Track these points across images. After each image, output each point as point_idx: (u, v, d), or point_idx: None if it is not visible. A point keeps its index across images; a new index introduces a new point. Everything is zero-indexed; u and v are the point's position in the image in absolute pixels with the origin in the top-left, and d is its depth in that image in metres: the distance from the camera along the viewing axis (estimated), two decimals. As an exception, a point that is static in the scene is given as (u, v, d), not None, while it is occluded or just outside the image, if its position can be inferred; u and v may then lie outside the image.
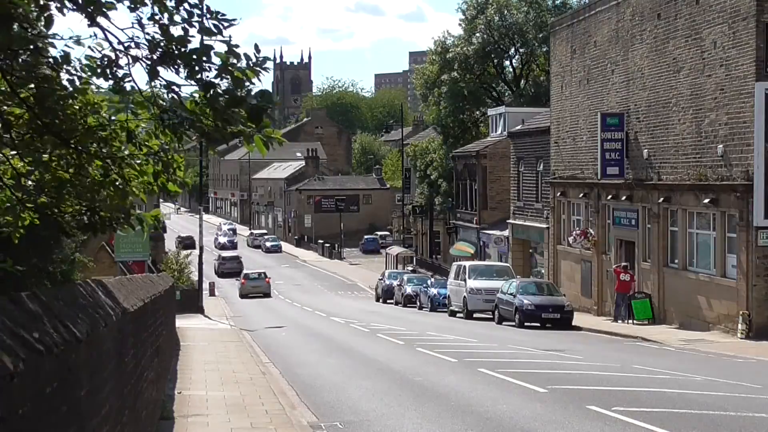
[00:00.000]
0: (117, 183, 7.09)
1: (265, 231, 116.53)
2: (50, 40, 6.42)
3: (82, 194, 7.26)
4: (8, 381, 2.94)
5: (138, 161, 7.05)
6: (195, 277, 52.04)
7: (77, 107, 6.58)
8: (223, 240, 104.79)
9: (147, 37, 5.68)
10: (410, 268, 69.50)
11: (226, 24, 5.75)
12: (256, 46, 6.02)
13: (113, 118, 6.83)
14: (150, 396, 10.36)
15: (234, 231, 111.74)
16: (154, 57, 5.63)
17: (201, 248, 49.73)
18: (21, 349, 3.24)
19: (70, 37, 6.18)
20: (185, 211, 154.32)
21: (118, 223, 7.62)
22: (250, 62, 5.84)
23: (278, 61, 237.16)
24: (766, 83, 28.45)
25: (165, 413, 13.31)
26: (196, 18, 5.70)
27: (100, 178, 7.09)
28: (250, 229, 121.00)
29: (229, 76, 5.78)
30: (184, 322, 33.89)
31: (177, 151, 7.04)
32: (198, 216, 55.62)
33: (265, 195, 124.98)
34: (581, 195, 42.15)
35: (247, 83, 5.84)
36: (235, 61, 5.85)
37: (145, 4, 5.68)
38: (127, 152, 6.96)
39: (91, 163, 6.96)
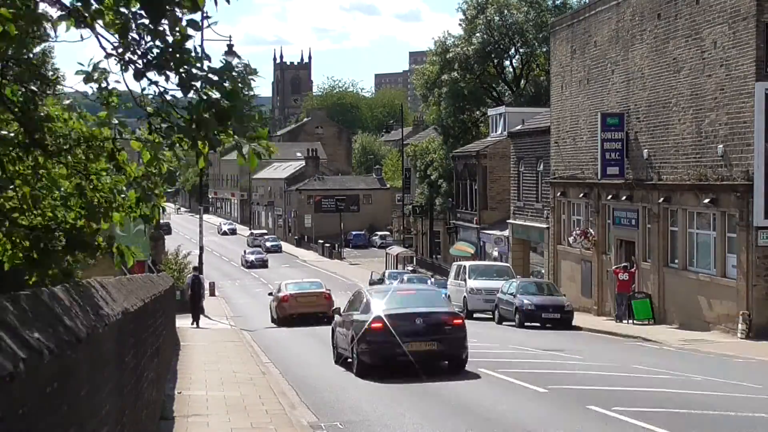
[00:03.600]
0: (97, 207, 6.96)
1: (265, 231, 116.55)
2: (41, 46, 6.42)
3: (62, 219, 7.11)
4: (8, 381, 2.94)
5: (119, 187, 6.93)
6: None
7: (63, 120, 6.50)
8: (251, 258, 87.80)
9: (136, 40, 5.64)
10: (410, 268, 69.46)
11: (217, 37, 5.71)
12: (245, 63, 5.96)
13: (94, 127, 6.72)
14: (150, 396, 10.36)
15: (260, 248, 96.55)
16: (143, 63, 5.61)
17: (201, 248, 49.73)
18: (21, 349, 3.24)
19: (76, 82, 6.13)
20: (185, 210, 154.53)
21: (101, 250, 7.45)
22: (239, 69, 5.80)
23: (278, 61, 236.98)
24: (766, 83, 28.45)
25: (165, 413, 13.31)
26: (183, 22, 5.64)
27: (77, 202, 6.97)
28: (250, 229, 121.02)
29: (210, 84, 5.73)
30: (184, 322, 33.88)
31: (171, 154, 6.87)
32: (198, 216, 55.61)
33: (265, 195, 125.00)
34: (581, 195, 42.15)
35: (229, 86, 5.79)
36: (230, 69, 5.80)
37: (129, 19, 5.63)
38: (109, 177, 6.87)
39: (70, 178, 6.84)
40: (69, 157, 6.60)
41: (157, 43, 5.57)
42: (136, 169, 6.81)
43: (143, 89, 5.88)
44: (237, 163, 6.19)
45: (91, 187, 6.88)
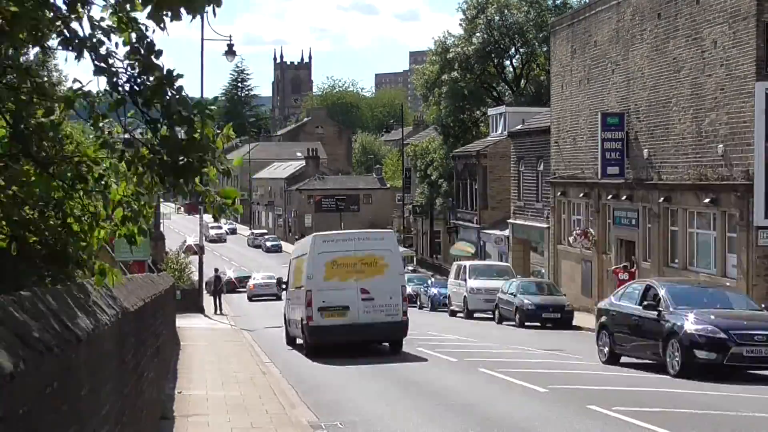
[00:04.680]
0: (86, 219, 6.94)
1: (265, 231, 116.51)
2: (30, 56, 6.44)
3: (48, 232, 7.08)
4: (8, 381, 2.94)
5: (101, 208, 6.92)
6: (195, 276, 52.06)
7: (52, 134, 6.49)
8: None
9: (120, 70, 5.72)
10: (410, 268, 69.48)
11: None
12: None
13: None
14: (150, 396, 10.36)
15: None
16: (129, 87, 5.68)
17: (201, 248, 49.76)
18: (21, 349, 3.24)
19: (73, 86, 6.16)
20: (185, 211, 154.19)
21: (83, 266, 7.40)
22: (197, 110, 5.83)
23: (278, 60, 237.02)
24: (766, 83, 28.44)
25: (165, 413, 13.31)
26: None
27: (66, 217, 6.94)
28: (250, 229, 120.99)
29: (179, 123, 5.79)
30: (184, 322, 33.89)
31: (143, 190, 6.81)
32: (198, 216, 55.65)
33: (266, 194, 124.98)
34: (581, 195, 42.15)
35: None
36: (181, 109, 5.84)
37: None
38: (93, 198, 6.85)
39: (64, 198, 6.83)
40: (59, 169, 6.58)
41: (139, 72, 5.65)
42: (126, 188, 6.77)
43: (126, 117, 5.94)
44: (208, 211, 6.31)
45: (72, 203, 6.85)
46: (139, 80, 5.71)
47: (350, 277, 23.40)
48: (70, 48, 5.64)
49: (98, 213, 6.93)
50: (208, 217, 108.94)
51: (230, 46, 43.52)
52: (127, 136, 6.10)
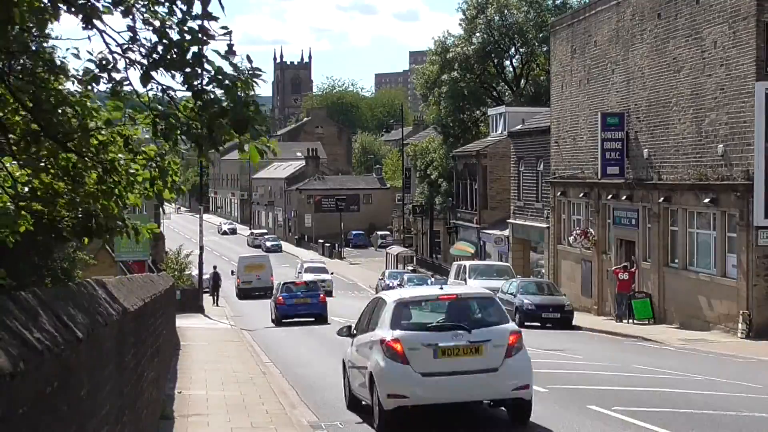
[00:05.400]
0: (113, 189, 7.04)
1: (265, 231, 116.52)
2: (49, 43, 6.43)
3: (79, 202, 7.20)
4: (8, 381, 2.94)
5: (133, 168, 7.00)
6: (195, 276, 52.06)
7: (74, 110, 6.54)
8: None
9: (142, 41, 5.69)
10: (410, 268, 69.43)
11: (221, 33, 5.79)
12: (249, 57, 6.08)
13: (114, 122, 6.79)
14: (150, 395, 10.36)
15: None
16: (149, 62, 5.65)
17: (201, 248, 49.78)
18: (21, 349, 3.24)
19: (69, 50, 6.19)
20: (185, 210, 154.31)
21: (114, 231, 7.55)
22: (245, 73, 5.87)
23: (278, 60, 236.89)
24: (766, 83, 28.45)
25: (165, 413, 13.31)
26: (189, 23, 5.72)
27: (95, 185, 7.03)
28: (250, 229, 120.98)
29: (218, 86, 5.83)
30: (184, 322, 33.88)
31: (174, 153, 6.98)
32: (198, 215, 55.64)
33: (266, 195, 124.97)
34: (581, 195, 42.14)
35: (240, 93, 5.89)
36: (231, 70, 5.89)
37: (136, 7, 5.69)
38: (123, 159, 6.93)
39: (88, 169, 6.93)
40: (83, 147, 6.65)
41: (163, 41, 5.60)
42: (149, 149, 6.91)
43: (143, 85, 5.90)
44: (240, 159, 6.37)
45: (109, 175, 6.97)
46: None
47: (252, 271, 60.57)
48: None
49: (131, 178, 7.04)
50: (214, 220, 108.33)
51: (230, 46, 43.54)
52: (159, 106, 6.12)
